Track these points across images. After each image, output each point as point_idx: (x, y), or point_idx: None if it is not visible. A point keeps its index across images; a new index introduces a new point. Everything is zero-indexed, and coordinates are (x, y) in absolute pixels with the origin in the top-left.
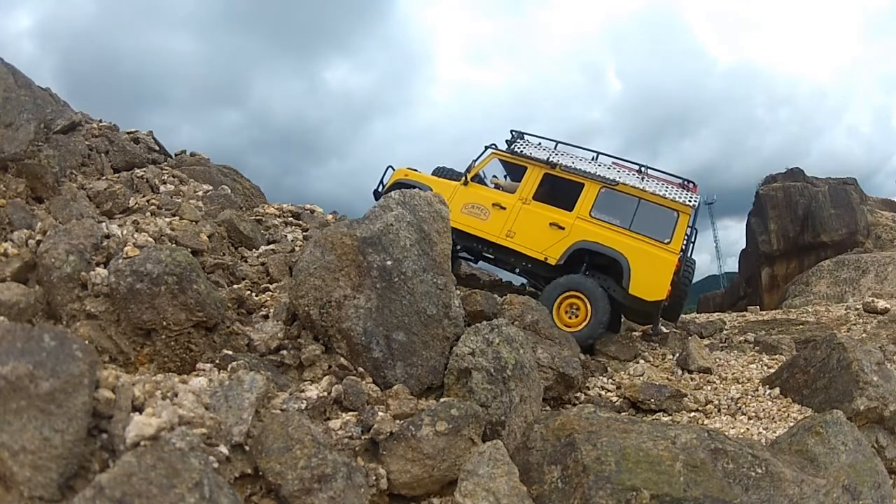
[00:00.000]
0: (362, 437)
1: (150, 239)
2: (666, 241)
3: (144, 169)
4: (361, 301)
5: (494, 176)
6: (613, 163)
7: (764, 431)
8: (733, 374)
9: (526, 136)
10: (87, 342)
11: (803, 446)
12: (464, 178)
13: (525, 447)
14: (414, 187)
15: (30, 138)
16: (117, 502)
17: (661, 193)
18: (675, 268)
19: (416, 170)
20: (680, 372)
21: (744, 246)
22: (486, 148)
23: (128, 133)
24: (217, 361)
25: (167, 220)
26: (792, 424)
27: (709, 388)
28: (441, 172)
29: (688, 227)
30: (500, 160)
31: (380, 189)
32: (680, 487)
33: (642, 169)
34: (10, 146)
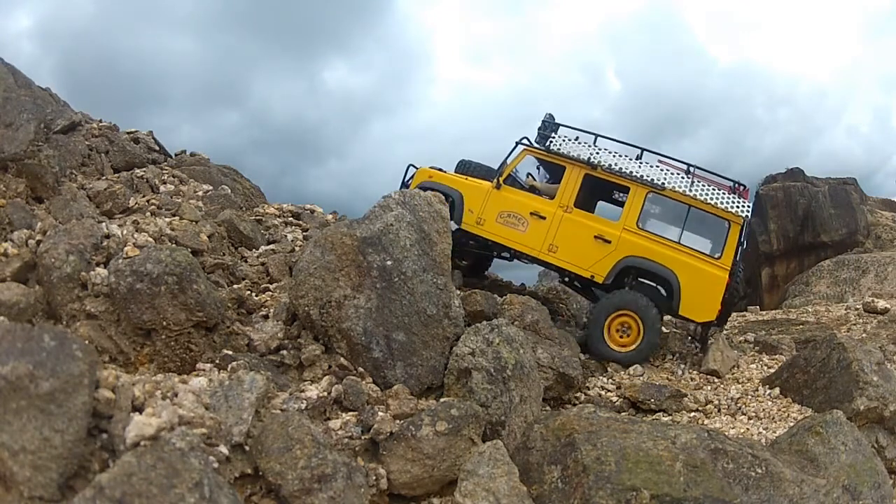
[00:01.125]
0: (362, 437)
1: (150, 239)
2: (717, 256)
3: (144, 169)
4: (361, 301)
5: (529, 174)
6: (659, 161)
7: (764, 431)
8: (733, 374)
9: (561, 128)
10: (87, 342)
11: (803, 446)
12: (496, 181)
13: (525, 447)
14: (441, 192)
15: (30, 138)
16: (117, 502)
17: (712, 202)
18: (726, 285)
19: (441, 169)
20: (680, 372)
21: (744, 246)
22: (517, 143)
23: (128, 133)
24: (217, 361)
25: (167, 220)
26: (792, 424)
27: (709, 388)
28: (465, 167)
29: (741, 236)
30: (538, 158)
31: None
32: (680, 487)
33: (690, 169)
34: (10, 146)
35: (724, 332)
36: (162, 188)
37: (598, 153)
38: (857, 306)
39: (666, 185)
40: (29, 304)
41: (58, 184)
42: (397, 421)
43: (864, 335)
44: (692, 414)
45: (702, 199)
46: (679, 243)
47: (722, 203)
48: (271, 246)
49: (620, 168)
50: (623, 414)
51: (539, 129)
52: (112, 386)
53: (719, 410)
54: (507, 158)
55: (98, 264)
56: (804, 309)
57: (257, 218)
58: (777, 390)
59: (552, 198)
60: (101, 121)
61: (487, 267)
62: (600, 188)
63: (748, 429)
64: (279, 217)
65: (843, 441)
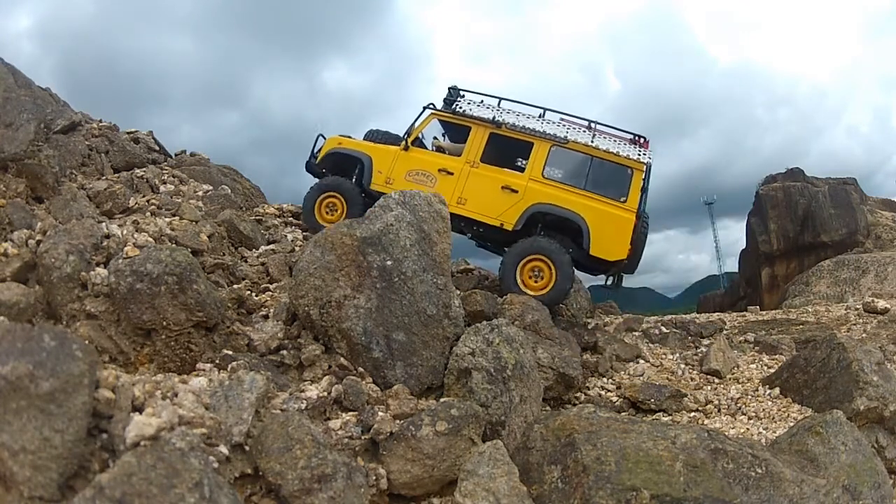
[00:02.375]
0: (362, 437)
1: (150, 239)
2: (622, 200)
3: (144, 169)
4: (361, 301)
5: (435, 137)
6: (561, 119)
7: (764, 431)
8: (733, 374)
9: (467, 94)
10: (87, 342)
11: (803, 446)
12: (404, 143)
13: (525, 447)
14: (350, 156)
15: (30, 138)
16: (117, 502)
17: (614, 151)
18: (633, 226)
19: (350, 136)
20: (680, 371)
21: (744, 246)
22: (425, 108)
23: (128, 133)
24: (217, 361)
25: (167, 220)
26: (792, 424)
27: (709, 388)
28: (374, 136)
29: (643, 182)
30: (441, 121)
31: (312, 160)
32: (680, 487)
33: (591, 125)
34: (10, 146)
35: (724, 331)
36: (162, 188)
37: (501, 113)
38: (857, 306)
39: (568, 138)
40: (29, 304)
41: (58, 184)
42: (397, 421)
43: (864, 335)
44: (692, 414)
45: (603, 149)
46: (585, 189)
47: (623, 152)
48: (271, 246)
49: (523, 125)
50: (623, 414)
51: (445, 99)
52: (112, 386)
53: (719, 410)
54: (414, 122)
55: (98, 264)
56: (804, 309)
57: (257, 218)
58: (777, 390)
59: (459, 156)
60: (101, 121)
61: None
62: (508, 153)
63: (748, 429)
64: (279, 217)
65: (843, 441)
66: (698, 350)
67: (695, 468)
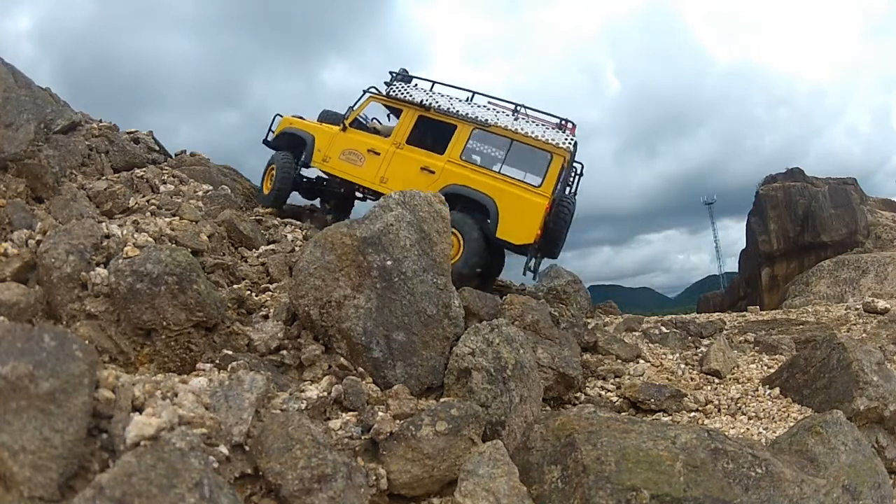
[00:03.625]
0: (362, 437)
1: (150, 239)
2: (536, 185)
3: (144, 169)
4: (361, 301)
5: (374, 118)
6: (489, 102)
7: (764, 431)
8: (733, 374)
9: (413, 80)
10: (87, 342)
11: (803, 446)
12: (342, 125)
13: (525, 447)
14: (297, 136)
15: (30, 138)
16: (117, 502)
17: (534, 135)
18: (545, 211)
19: (301, 117)
20: (680, 371)
21: (744, 246)
22: (364, 92)
23: (128, 133)
24: (217, 361)
25: (167, 220)
26: (792, 424)
27: (709, 388)
28: (326, 117)
29: (563, 167)
30: (383, 104)
31: (268, 138)
32: (680, 487)
33: (518, 109)
34: (10, 146)
35: (724, 331)
36: (162, 188)
37: (431, 96)
38: (857, 306)
39: (490, 122)
40: (29, 304)
41: (58, 184)
42: (397, 421)
43: (864, 335)
44: (692, 414)
45: (524, 133)
46: (500, 173)
47: (544, 136)
48: (271, 246)
49: (449, 108)
50: (623, 414)
51: (385, 83)
52: (112, 386)
53: (719, 410)
54: (354, 105)
55: (98, 264)
56: (804, 309)
57: (257, 218)
58: (777, 390)
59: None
60: (101, 121)
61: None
62: (431, 133)
63: (748, 429)
64: (279, 217)
65: (843, 441)
66: (698, 350)
67: (695, 468)
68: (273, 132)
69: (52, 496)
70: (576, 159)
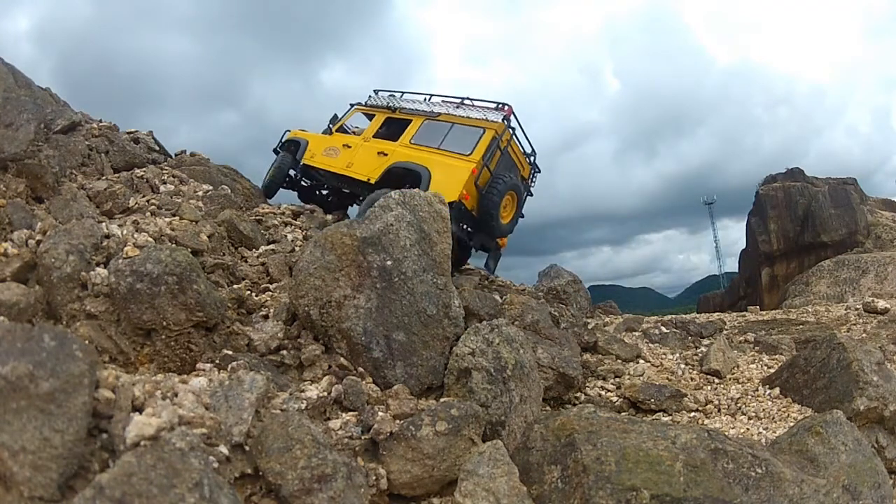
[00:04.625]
0: (362, 437)
1: (150, 239)
2: (467, 154)
3: (144, 169)
4: (361, 301)
5: (356, 126)
6: (442, 100)
7: (764, 431)
8: (733, 374)
9: (393, 95)
10: (87, 342)
11: (803, 446)
12: (328, 129)
13: (525, 447)
14: (297, 141)
15: (30, 138)
16: (117, 502)
17: (469, 116)
18: (472, 174)
19: (305, 130)
20: (680, 371)
21: (744, 246)
22: (351, 105)
23: (128, 133)
24: (217, 361)
25: (167, 220)
26: (792, 424)
27: (709, 388)
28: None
29: (496, 139)
30: (364, 113)
31: (278, 149)
32: (680, 487)
33: (464, 101)
34: (10, 146)
35: (724, 331)
36: (162, 188)
37: (396, 101)
38: (857, 306)
39: (437, 112)
40: (29, 304)
41: (58, 184)
42: (397, 421)
43: (864, 335)
44: (692, 414)
45: (462, 116)
46: (438, 149)
47: (476, 116)
48: (271, 246)
49: (408, 107)
50: (623, 414)
51: (368, 96)
52: (112, 386)
53: (719, 410)
54: (341, 115)
55: (98, 264)
56: (804, 309)
57: (257, 218)
58: (777, 390)
59: None
60: (101, 121)
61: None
62: (395, 129)
63: (748, 429)
64: (279, 217)
65: (843, 441)
66: (698, 350)
67: (695, 468)
68: (282, 142)
69: (52, 496)
70: (531, 156)
